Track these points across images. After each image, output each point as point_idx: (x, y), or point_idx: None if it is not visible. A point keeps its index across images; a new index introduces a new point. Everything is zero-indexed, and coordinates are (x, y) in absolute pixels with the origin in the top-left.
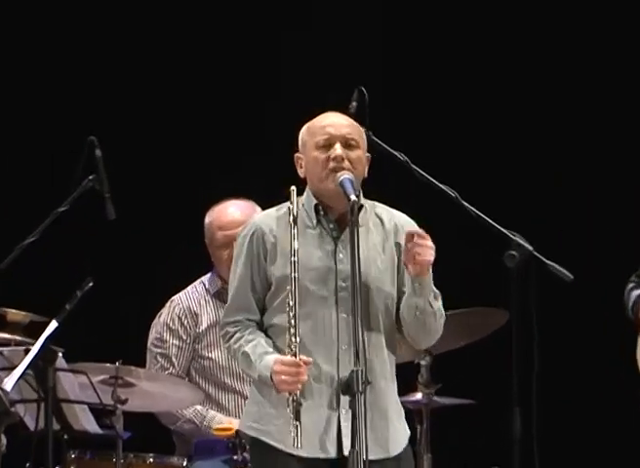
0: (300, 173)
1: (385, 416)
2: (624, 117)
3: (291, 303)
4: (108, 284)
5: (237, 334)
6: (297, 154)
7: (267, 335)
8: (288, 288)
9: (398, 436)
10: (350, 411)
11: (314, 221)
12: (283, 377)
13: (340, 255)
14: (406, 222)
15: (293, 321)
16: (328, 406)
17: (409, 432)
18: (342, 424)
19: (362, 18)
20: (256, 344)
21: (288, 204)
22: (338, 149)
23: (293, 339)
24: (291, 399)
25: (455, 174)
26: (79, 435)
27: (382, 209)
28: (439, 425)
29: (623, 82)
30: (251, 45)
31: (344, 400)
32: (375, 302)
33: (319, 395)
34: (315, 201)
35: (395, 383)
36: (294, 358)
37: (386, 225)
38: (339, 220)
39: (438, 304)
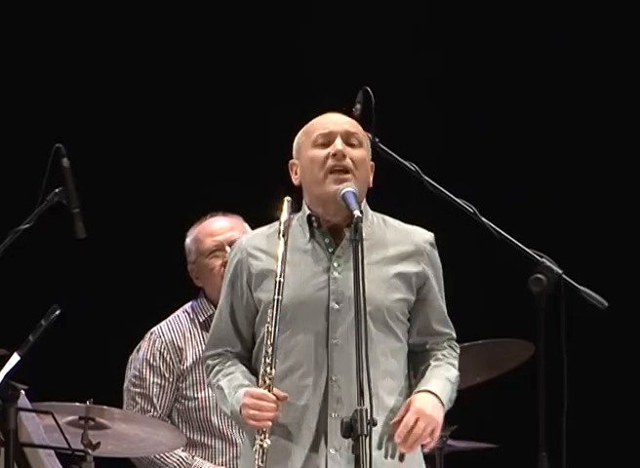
0: (295, 180)
1: (374, 458)
2: None
3: (270, 329)
4: (78, 312)
5: (217, 367)
6: (291, 161)
7: (256, 369)
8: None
9: None
10: (338, 454)
11: (307, 234)
12: (251, 412)
13: (335, 274)
14: (425, 241)
15: (270, 349)
16: (313, 445)
17: None
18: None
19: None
20: (232, 378)
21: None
22: (338, 144)
23: (268, 370)
24: (259, 438)
25: (474, 188)
26: None
27: (395, 222)
28: None
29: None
30: (237, 46)
31: (333, 439)
32: (373, 331)
33: (304, 433)
34: (308, 211)
35: None
36: (265, 391)
37: (399, 242)
38: (334, 233)
39: (453, 392)
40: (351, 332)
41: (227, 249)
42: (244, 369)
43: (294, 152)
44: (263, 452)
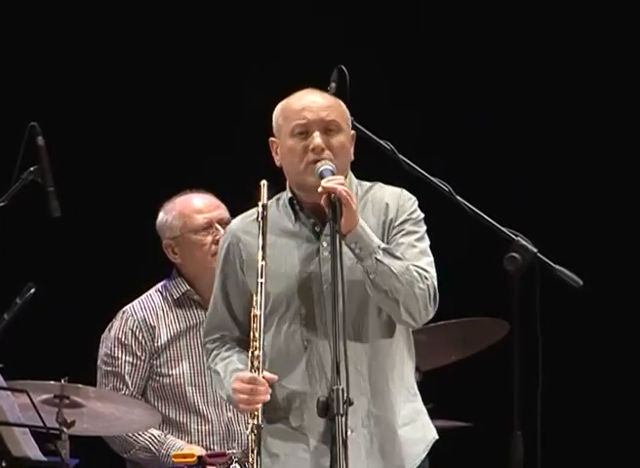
0: (276, 160)
1: (392, 428)
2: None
3: (257, 312)
4: (53, 290)
5: (214, 351)
6: (271, 139)
7: None
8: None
9: (409, 448)
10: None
11: (292, 217)
12: (241, 396)
13: (325, 254)
14: (393, 198)
15: (257, 333)
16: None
17: (432, 437)
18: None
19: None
20: (228, 362)
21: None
22: (316, 138)
23: (255, 353)
24: (252, 423)
25: (449, 167)
26: (19, 463)
27: (380, 188)
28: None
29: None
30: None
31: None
32: (369, 300)
33: (308, 418)
34: (290, 194)
35: (405, 388)
36: (253, 374)
37: (378, 207)
38: (319, 213)
39: (391, 261)
40: (346, 312)
41: (217, 226)
42: (242, 351)
43: (274, 129)
44: (257, 434)
